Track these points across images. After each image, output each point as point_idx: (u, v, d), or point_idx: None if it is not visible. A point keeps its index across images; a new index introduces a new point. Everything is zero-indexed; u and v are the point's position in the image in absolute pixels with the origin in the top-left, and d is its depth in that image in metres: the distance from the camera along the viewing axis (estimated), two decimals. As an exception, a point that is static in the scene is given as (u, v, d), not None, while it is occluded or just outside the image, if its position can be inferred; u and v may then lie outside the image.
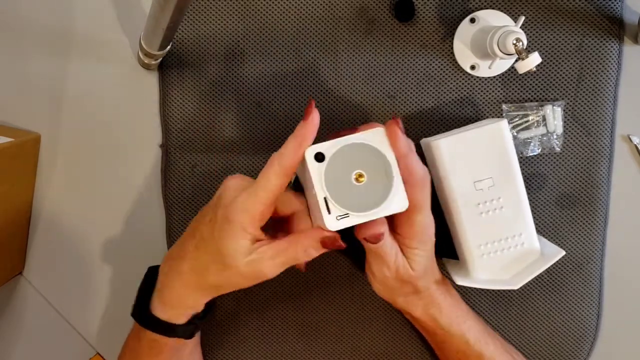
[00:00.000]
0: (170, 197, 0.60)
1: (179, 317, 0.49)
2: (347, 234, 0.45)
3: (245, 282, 0.46)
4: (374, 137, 0.44)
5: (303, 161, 0.44)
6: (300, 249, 0.44)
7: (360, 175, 0.43)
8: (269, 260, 0.44)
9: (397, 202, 0.44)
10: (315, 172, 0.43)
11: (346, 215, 0.43)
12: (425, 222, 0.47)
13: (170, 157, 0.60)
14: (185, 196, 0.60)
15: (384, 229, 0.47)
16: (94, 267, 0.62)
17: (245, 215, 0.43)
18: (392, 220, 0.49)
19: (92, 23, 0.59)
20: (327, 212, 0.43)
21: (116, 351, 0.60)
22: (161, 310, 0.48)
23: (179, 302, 0.48)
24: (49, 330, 0.63)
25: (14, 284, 0.63)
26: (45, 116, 0.60)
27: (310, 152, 0.43)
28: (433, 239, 0.49)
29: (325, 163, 0.43)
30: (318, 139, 0.43)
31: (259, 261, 0.44)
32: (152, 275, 0.51)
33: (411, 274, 0.49)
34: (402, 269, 0.49)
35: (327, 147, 0.43)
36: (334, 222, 0.43)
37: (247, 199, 0.43)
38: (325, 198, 0.43)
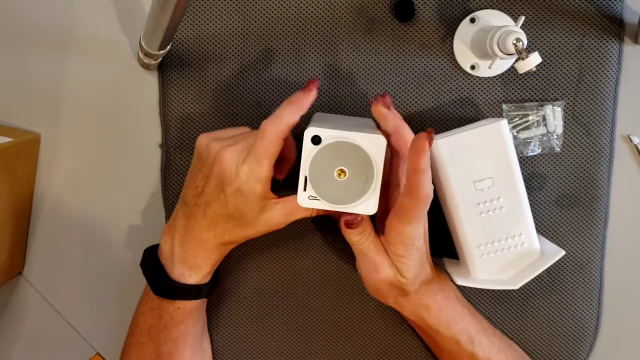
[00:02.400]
0: (170, 197, 0.60)
1: (206, 277, 0.53)
2: None
3: (258, 234, 0.51)
4: (371, 142, 0.46)
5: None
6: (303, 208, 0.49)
7: (343, 172, 0.46)
8: (280, 217, 0.49)
9: (364, 207, 0.47)
10: (307, 151, 0.46)
11: (317, 199, 0.47)
12: (414, 234, 0.48)
13: (170, 157, 0.60)
14: (185, 196, 0.60)
15: (367, 223, 0.49)
16: (94, 267, 0.62)
17: (257, 185, 0.47)
18: (383, 226, 0.50)
19: (92, 23, 0.59)
20: (303, 189, 0.46)
21: (116, 351, 0.60)
22: (189, 276, 0.52)
23: (205, 264, 0.52)
24: (49, 330, 0.63)
25: (14, 284, 0.63)
26: (45, 116, 0.60)
27: (309, 132, 0.46)
28: (422, 249, 0.50)
29: (318, 147, 0.46)
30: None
31: (271, 217, 0.49)
32: (154, 254, 0.54)
33: (401, 280, 0.50)
34: (392, 275, 0.50)
35: (326, 136, 0.46)
36: (305, 200, 0.47)
37: (254, 171, 0.47)
38: (305, 177, 0.46)
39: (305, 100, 0.48)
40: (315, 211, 0.50)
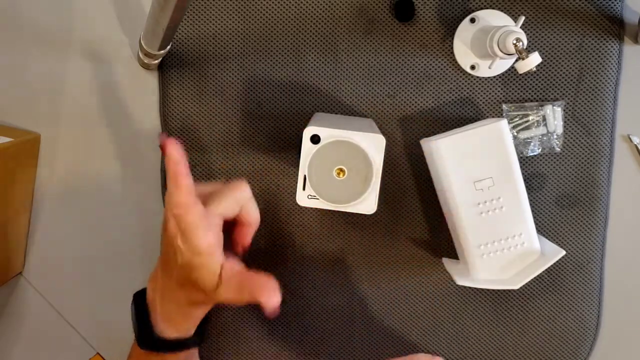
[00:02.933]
0: (170, 197, 0.60)
1: (189, 331, 0.51)
2: None
3: (228, 302, 0.47)
4: (371, 141, 0.46)
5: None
6: (255, 292, 0.45)
7: (342, 171, 0.47)
8: (232, 294, 0.46)
9: (363, 206, 0.47)
10: (306, 150, 0.46)
11: (316, 198, 0.47)
12: None
13: (170, 157, 0.60)
14: (185, 196, 0.60)
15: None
16: (93, 268, 0.62)
17: (198, 258, 0.44)
18: None
19: (92, 23, 0.59)
20: (302, 189, 0.47)
21: (116, 351, 0.61)
22: (171, 332, 0.49)
23: (183, 320, 0.50)
24: (49, 330, 0.63)
25: (14, 284, 0.63)
26: (45, 116, 0.60)
27: (308, 131, 0.46)
28: None
29: (317, 147, 0.46)
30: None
31: (223, 293, 0.46)
32: (142, 302, 0.51)
33: None
34: None
35: (325, 135, 0.46)
36: (304, 199, 0.47)
37: (189, 248, 0.44)
38: (305, 176, 0.47)
39: (174, 168, 0.42)
40: (270, 303, 0.45)
